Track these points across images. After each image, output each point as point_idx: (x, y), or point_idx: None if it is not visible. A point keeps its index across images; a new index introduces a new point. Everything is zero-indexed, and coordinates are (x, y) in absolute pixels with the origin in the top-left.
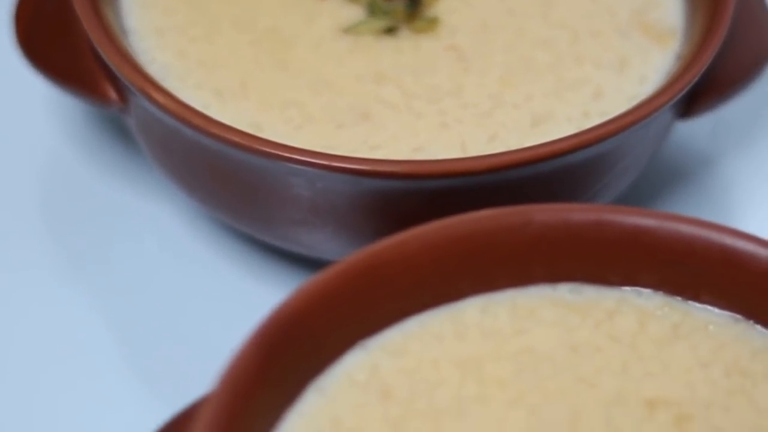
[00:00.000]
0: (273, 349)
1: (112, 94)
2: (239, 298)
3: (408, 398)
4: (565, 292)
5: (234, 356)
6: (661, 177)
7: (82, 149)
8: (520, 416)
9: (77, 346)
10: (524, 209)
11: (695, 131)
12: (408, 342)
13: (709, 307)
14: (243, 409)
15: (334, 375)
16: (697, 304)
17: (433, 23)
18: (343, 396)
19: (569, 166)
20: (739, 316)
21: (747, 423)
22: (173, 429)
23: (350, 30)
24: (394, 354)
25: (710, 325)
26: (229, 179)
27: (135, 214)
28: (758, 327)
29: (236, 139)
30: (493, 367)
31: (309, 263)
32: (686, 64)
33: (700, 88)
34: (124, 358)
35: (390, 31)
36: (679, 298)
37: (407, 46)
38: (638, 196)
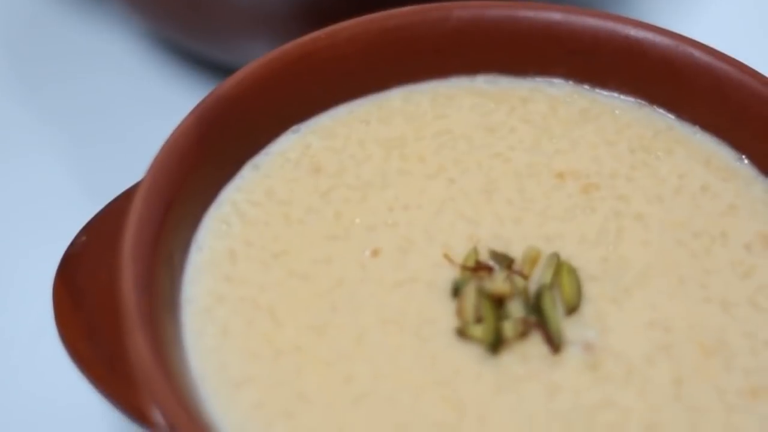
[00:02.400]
0: (210, 127)
1: None
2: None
3: (336, 172)
4: (482, 82)
5: (173, 132)
6: None
7: None
8: (439, 185)
9: (24, 153)
10: (444, 5)
11: None
12: (337, 126)
13: (615, 94)
14: (183, 180)
15: (268, 154)
16: (604, 92)
17: None
18: (276, 171)
19: None
20: (643, 102)
21: (649, 190)
22: (117, 206)
23: None
24: (324, 136)
25: (616, 110)
26: None
27: (88, 42)
28: (660, 110)
29: None
30: (415, 145)
31: None
32: None
33: None
34: (66, 161)
35: None
36: (587, 86)
37: None
38: None
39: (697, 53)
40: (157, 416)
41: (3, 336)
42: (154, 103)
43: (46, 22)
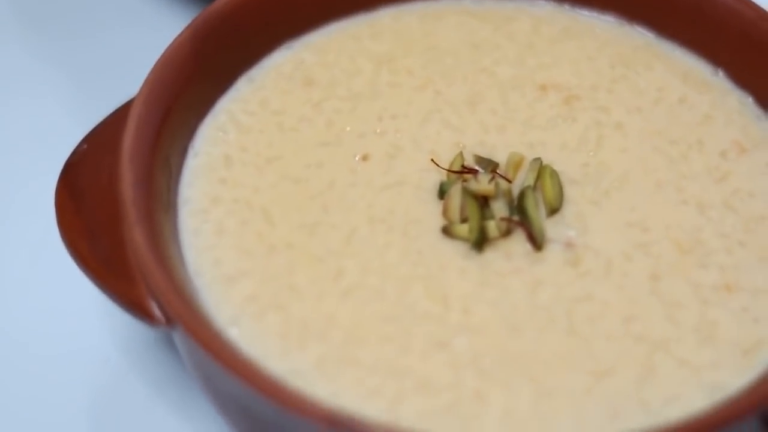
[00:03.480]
0: (206, 40)
1: None
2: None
3: (328, 85)
4: (468, 3)
5: (170, 45)
6: None
7: None
8: (427, 97)
9: (26, 78)
10: None
11: None
12: (329, 42)
13: (596, 13)
14: (179, 89)
15: (262, 67)
16: (585, 11)
17: None
18: (271, 84)
19: None
20: (623, 20)
21: (628, 101)
22: (117, 117)
23: None
24: (317, 51)
25: (596, 28)
26: None
27: None
28: (640, 28)
29: None
30: (404, 60)
31: None
32: None
33: None
34: (66, 83)
35: None
36: (567, 6)
37: None
38: None
39: None
40: (155, 309)
41: (10, 243)
42: (149, 25)
43: None
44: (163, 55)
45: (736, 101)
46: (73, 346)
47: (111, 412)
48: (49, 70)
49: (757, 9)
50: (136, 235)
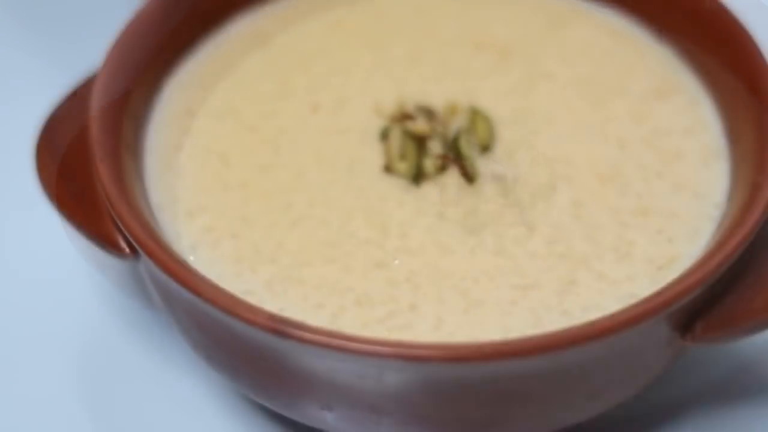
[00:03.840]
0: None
1: None
2: None
3: (283, 46)
4: None
5: (140, 9)
6: None
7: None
8: (372, 55)
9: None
10: None
11: None
12: (286, 10)
13: None
14: (147, 49)
15: (224, 32)
16: None
17: None
18: (231, 45)
19: None
20: None
21: (559, 54)
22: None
23: None
24: (275, 17)
25: None
26: None
27: None
28: None
29: None
30: (352, 24)
31: None
32: None
33: None
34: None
35: None
36: None
37: None
38: None
39: None
40: (122, 242)
41: (10, 233)
42: None
43: None
44: (133, 18)
45: (659, 55)
46: (57, 302)
47: (98, 374)
48: (50, 69)
49: None
50: (102, 172)
